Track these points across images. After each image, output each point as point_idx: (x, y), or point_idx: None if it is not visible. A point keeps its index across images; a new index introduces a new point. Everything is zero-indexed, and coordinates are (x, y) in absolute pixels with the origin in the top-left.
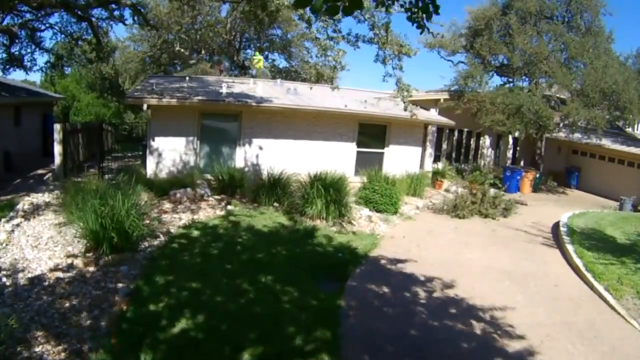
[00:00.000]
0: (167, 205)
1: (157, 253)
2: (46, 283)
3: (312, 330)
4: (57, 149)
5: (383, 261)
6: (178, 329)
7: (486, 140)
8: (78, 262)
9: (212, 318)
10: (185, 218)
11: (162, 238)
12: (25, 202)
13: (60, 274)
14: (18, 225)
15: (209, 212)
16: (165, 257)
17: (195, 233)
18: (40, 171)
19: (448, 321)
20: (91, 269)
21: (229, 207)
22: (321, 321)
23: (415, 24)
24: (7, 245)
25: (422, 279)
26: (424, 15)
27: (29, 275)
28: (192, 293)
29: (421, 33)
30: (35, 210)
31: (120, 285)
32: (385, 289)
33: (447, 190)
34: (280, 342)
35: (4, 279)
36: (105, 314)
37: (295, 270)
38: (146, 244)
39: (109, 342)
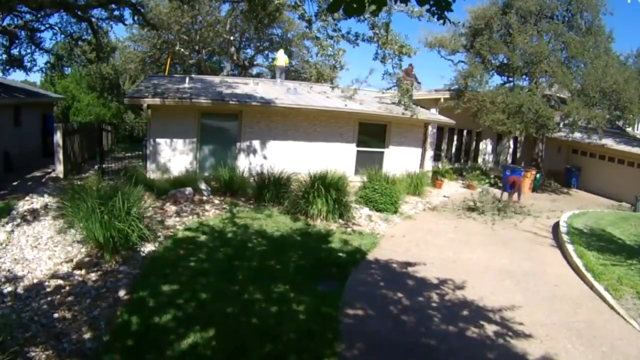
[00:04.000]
0: (167, 206)
1: (157, 254)
2: (46, 284)
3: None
4: (58, 149)
5: (383, 261)
6: (180, 334)
7: (486, 140)
8: (78, 263)
9: (219, 328)
10: (186, 219)
11: (162, 239)
12: (25, 203)
13: (59, 275)
14: (18, 225)
15: (210, 212)
16: (165, 258)
17: (196, 233)
18: (40, 172)
19: (450, 317)
20: (92, 273)
21: (230, 207)
22: (327, 324)
23: (435, 16)
24: (6, 245)
25: (428, 279)
26: (444, 4)
27: (29, 275)
28: (194, 295)
29: (443, 24)
30: (35, 211)
31: (120, 287)
32: (388, 289)
33: (446, 197)
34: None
35: (3, 280)
36: (105, 317)
37: (302, 272)
38: (147, 244)
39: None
